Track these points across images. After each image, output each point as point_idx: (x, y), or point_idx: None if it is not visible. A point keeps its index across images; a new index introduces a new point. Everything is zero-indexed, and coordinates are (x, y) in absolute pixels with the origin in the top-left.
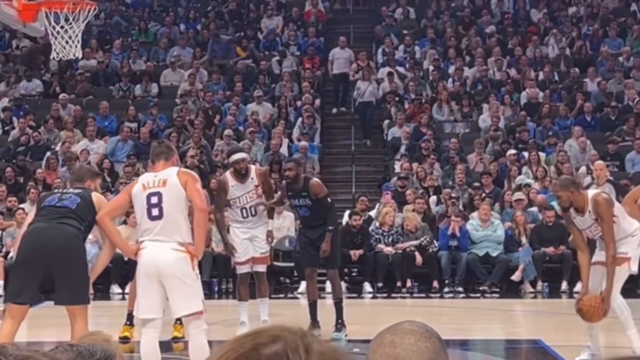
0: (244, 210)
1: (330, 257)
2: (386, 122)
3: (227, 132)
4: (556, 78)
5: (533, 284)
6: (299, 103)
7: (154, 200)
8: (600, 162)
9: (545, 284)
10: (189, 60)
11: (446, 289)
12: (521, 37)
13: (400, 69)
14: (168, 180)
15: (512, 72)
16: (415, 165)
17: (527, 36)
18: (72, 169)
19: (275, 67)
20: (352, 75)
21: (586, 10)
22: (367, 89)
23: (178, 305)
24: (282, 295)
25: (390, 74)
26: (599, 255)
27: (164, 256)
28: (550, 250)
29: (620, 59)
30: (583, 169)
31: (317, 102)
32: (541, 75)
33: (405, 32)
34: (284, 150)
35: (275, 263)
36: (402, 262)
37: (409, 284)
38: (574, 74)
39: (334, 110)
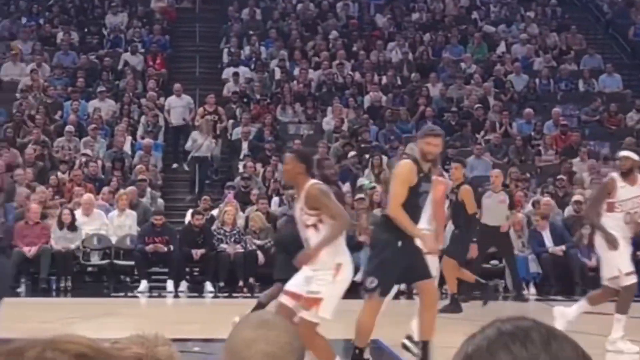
0: None
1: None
2: (231, 122)
3: (69, 128)
4: (399, 82)
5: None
6: (143, 100)
7: None
8: (496, 170)
9: None
10: (30, 54)
11: None
12: (366, 41)
13: (245, 69)
14: None
15: (356, 75)
16: (259, 165)
17: (372, 41)
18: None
19: (119, 63)
20: (192, 121)
21: (427, 16)
22: (205, 142)
23: None
24: (122, 294)
25: (235, 74)
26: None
27: None
28: None
29: (462, 65)
30: None
31: (162, 100)
32: (384, 80)
33: (251, 32)
34: (127, 148)
35: (116, 261)
36: (245, 261)
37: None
38: (416, 79)
39: (174, 166)
